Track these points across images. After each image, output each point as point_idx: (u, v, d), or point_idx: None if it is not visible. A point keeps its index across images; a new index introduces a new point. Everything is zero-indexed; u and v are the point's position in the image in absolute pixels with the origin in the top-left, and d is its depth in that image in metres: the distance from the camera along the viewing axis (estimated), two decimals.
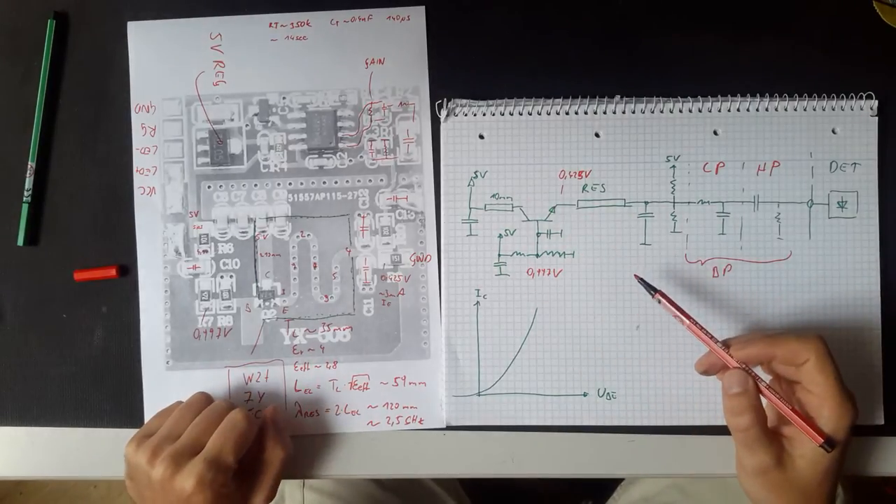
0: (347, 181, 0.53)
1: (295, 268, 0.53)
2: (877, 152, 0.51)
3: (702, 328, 0.46)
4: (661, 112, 0.51)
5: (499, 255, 0.52)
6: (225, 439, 0.45)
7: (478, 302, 0.52)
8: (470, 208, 0.52)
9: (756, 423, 0.44)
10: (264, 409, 0.51)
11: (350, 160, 0.53)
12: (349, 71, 0.53)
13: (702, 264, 0.51)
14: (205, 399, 0.50)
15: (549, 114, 0.51)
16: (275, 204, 0.53)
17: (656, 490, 0.68)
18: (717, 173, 0.51)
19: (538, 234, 0.51)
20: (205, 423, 0.47)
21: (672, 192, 0.51)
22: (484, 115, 0.52)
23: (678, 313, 0.47)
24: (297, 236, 0.53)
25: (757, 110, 0.51)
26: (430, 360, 0.52)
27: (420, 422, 0.52)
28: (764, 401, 0.45)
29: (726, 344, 0.46)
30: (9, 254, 0.53)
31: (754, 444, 0.44)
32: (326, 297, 0.53)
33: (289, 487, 0.66)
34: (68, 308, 0.53)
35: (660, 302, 0.47)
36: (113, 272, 0.52)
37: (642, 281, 0.49)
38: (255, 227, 0.53)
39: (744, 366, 0.45)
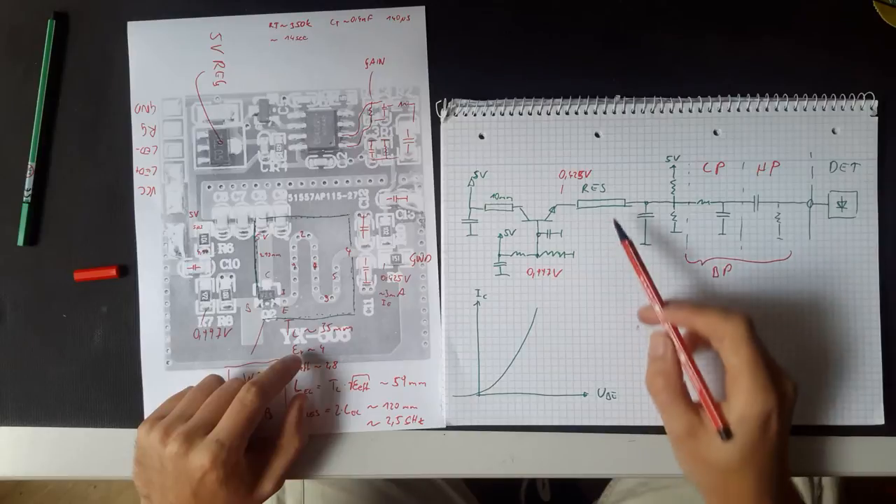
0: (347, 181, 0.53)
1: (295, 268, 0.53)
2: (877, 152, 0.51)
3: (653, 286, 0.46)
4: (661, 112, 0.51)
5: (499, 254, 0.52)
6: (236, 418, 0.46)
7: (478, 302, 0.52)
8: (470, 208, 0.52)
9: (666, 389, 0.44)
10: (295, 394, 0.51)
11: (350, 160, 0.53)
12: (349, 71, 0.53)
13: (702, 264, 0.51)
14: (216, 381, 0.51)
15: (549, 114, 0.51)
16: (275, 204, 0.53)
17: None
18: (717, 173, 0.51)
19: (538, 234, 0.51)
20: (216, 403, 0.47)
21: (672, 192, 0.51)
22: (484, 114, 0.52)
23: (636, 265, 0.47)
24: (297, 236, 0.53)
25: (757, 110, 0.51)
26: (430, 360, 0.52)
27: (420, 422, 0.52)
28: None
29: (668, 302, 0.46)
30: (9, 254, 0.53)
31: (666, 408, 0.44)
32: (326, 297, 0.53)
33: None
34: (68, 308, 0.53)
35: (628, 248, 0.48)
36: (113, 272, 0.52)
37: (617, 226, 0.49)
38: (255, 227, 0.53)
39: (668, 329, 0.45)
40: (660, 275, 0.51)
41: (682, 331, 0.45)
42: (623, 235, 0.48)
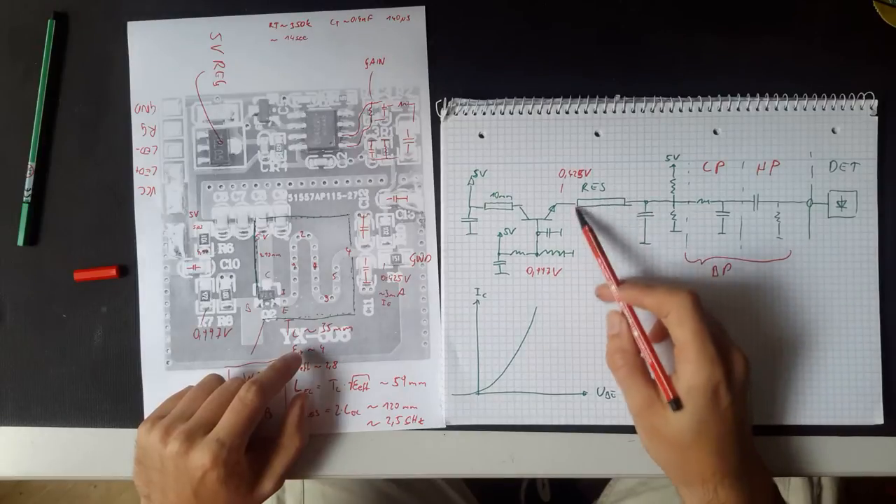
0: (347, 181, 0.53)
1: (295, 268, 0.53)
2: (876, 152, 0.51)
3: (610, 268, 0.48)
4: (661, 111, 0.51)
5: (498, 253, 0.52)
6: (236, 417, 0.46)
7: (477, 301, 0.52)
8: (470, 207, 0.52)
9: (624, 365, 0.46)
10: (296, 393, 0.52)
11: (350, 160, 0.53)
12: (349, 71, 0.53)
13: (701, 263, 0.51)
14: (216, 380, 0.51)
15: (549, 113, 0.51)
16: (275, 204, 0.53)
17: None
18: (716, 172, 0.51)
19: (538, 233, 0.51)
20: (217, 402, 0.47)
21: (672, 192, 0.51)
22: (484, 114, 0.52)
23: (594, 249, 0.49)
24: (297, 236, 0.53)
25: (757, 110, 0.51)
26: (430, 360, 0.52)
27: (420, 422, 0.52)
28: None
29: (623, 282, 0.48)
30: (9, 254, 0.53)
31: (625, 383, 0.46)
32: (326, 297, 0.53)
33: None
34: (68, 308, 0.53)
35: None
36: (113, 272, 0.52)
37: (579, 213, 0.51)
38: (255, 227, 0.53)
39: (623, 308, 0.47)
40: (659, 274, 0.51)
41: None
42: (583, 222, 0.50)
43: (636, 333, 0.46)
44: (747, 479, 0.44)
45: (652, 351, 0.45)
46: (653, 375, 0.45)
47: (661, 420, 0.44)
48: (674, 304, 0.43)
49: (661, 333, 0.47)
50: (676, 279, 0.51)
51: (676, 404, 0.43)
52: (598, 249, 0.49)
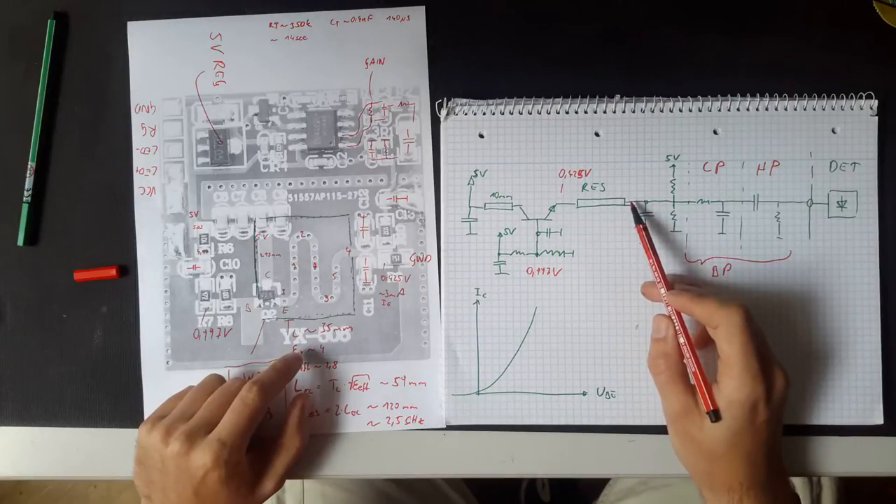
0: (347, 181, 0.53)
1: (295, 268, 0.53)
2: (877, 152, 0.51)
3: (661, 270, 0.48)
4: (661, 111, 0.51)
5: (498, 253, 0.52)
6: (237, 417, 0.46)
7: (477, 301, 0.52)
8: (470, 207, 0.52)
9: (667, 370, 0.46)
10: (297, 393, 0.52)
11: (350, 160, 0.53)
12: (349, 71, 0.53)
13: (701, 263, 0.51)
14: (217, 380, 0.51)
15: (549, 113, 0.51)
16: (275, 204, 0.53)
17: None
18: (716, 172, 0.51)
19: (538, 233, 0.51)
20: (218, 403, 0.47)
21: (672, 192, 0.51)
22: (484, 114, 0.52)
23: (647, 248, 0.49)
24: (297, 236, 0.53)
25: (757, 110, 0.51)
26: (430, 360, 0.52)
27: (420, 422, 0.52)
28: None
29: (672, 287, 0.48)
30: (9, 254, 0.53)
31: (665, 388, 0.46)
32: (326, 297, 0.53)
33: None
34: (68, 308, 0.53)
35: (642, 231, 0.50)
36: (113, 272, 0.52)
37: (634, 210, 0.50)
38: (255, 227, 0.53)
39: (671, 313, 0.46)
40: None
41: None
42: (638, 219, 0.50)
43: (682, 340, 0.46)
44: (772, 492, 0.45)
45: (696, 360, 0.45)
46: (693, 382, 0.45)
47: (696, 428, 0.45)
48: (724, 317, 0.43)
49: (705, 341, 0.47)
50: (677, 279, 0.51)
51: (715, 416, 0.44)
52: (651, 249, 0.49)
